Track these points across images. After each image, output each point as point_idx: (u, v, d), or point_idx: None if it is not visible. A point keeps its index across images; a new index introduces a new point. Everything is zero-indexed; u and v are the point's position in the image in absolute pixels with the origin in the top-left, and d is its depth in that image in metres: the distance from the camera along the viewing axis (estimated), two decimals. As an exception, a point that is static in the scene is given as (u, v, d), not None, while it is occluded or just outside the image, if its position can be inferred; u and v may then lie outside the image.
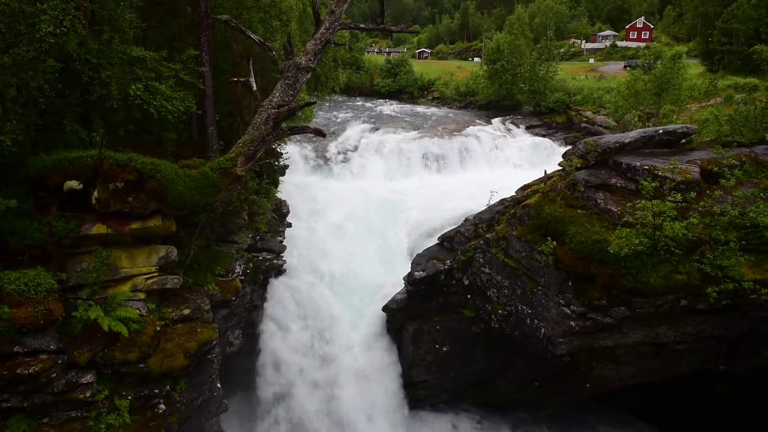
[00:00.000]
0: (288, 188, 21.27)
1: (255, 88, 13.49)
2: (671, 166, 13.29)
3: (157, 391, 11.92)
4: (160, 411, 11.96)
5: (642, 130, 15.76)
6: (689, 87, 30.63)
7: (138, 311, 11.92)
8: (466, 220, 18.72)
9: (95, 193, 11.32)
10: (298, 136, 25.57)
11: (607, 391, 15.85)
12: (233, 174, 12.44)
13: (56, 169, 11.10)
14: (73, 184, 11.17)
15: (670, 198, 12.76)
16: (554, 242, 13.78)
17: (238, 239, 15.11)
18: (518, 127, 35.75)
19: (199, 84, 13.56)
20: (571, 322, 13.57)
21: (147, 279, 12.27)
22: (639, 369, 14.89)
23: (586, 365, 14.90)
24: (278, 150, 18.93)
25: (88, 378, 11.22)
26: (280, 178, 21.15)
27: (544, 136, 34.65)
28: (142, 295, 12.21)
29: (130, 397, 11.69)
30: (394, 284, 18.17)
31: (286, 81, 13.07)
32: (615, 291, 12.96)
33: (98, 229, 11.46)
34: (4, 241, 10.82)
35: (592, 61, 74.15)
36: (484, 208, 18.53)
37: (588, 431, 18.34)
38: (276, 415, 16.47)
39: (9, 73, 10.27)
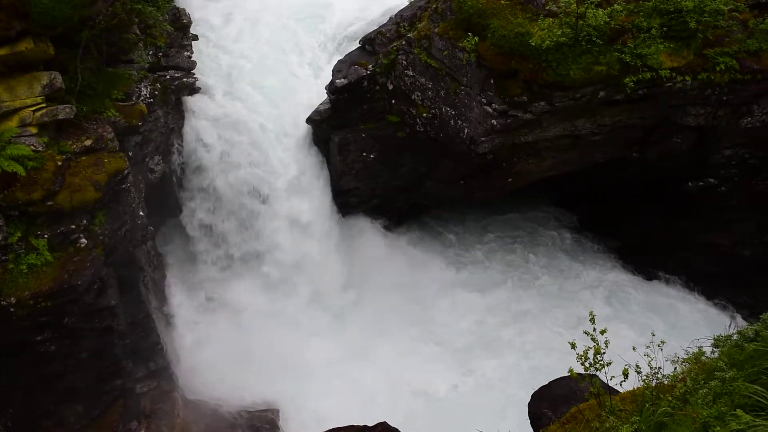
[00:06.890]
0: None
1: None
2: (600, -55, 12.27)
3: (73, 226, 11.53)
4: (83, 245, 11.70)
5: None
6: None
7: (32, 148, 10.96)
8: (390, 19, 17.45)
9: (-59, 16, 9.63)
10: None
11: (527, 185, 16.62)
12: (107, -19, 10.71)
13: None
14: None
15: (595, -18, 12.01)
16: (476, 38, 13.10)
17: (134, 58, 13.59)
18: None
19: None
20: (493, 121, 13.57)
21: (35, 111, 11.10)
22: (558, 161, 15.48)
23: (508, 161, 15.32)
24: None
25: (-5, 222, 10.71)
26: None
27: None
28: (33, 130, 11.14)
29: (46, 236, 11.27)
30: (318, 94, 17.38)
31: None
32: (536, 86, 12.83)
33: (-41, 59, 10.01)
34: None
35: None
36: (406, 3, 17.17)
37: (514, 214, 19.79)
38: (205, 228, 16.67)
39: None
